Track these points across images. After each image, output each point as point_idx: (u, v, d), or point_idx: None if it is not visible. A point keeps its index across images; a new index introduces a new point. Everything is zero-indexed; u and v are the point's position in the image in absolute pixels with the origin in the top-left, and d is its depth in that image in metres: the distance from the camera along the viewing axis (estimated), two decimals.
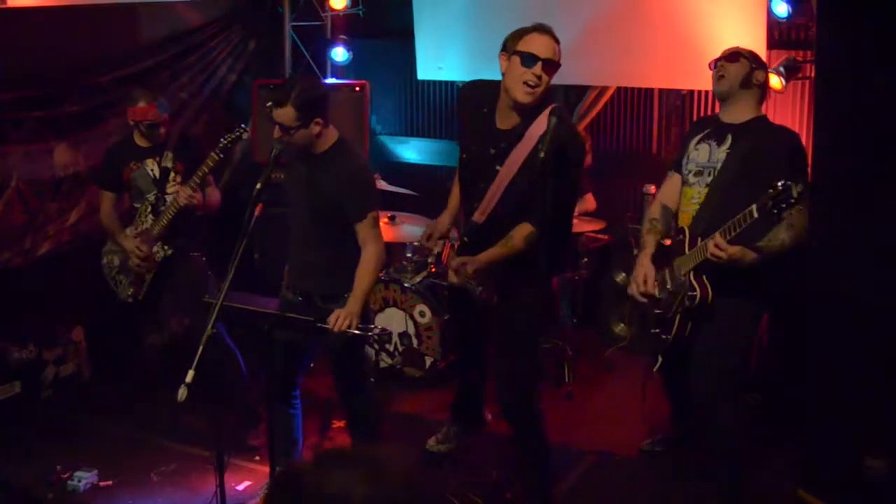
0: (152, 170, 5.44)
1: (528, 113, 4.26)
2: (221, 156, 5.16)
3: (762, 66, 4.48)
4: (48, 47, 5.90)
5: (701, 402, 4.54)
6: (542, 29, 4.19)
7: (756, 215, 3.93)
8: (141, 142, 5.44)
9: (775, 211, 3.85)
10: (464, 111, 4.64)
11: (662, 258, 4.54)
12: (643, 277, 4.54)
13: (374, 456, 1.79)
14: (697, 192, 4.47)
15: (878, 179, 3.94)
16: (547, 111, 4.09)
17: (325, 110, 4.38)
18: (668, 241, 4.61)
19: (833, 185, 4.18)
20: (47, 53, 5.91)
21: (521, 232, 4.26)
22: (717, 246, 4.10)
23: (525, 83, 4.17)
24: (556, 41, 4.21)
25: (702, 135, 4.55)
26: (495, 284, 4.40)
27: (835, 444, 4.29)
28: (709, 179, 4.43)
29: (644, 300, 4.55)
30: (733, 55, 4.47)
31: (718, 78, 4.48)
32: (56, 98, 6.05)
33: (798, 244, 4.14)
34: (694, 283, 4.30)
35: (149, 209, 5.44)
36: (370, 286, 4.47)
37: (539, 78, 4.15)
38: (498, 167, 4.33)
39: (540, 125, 4.13)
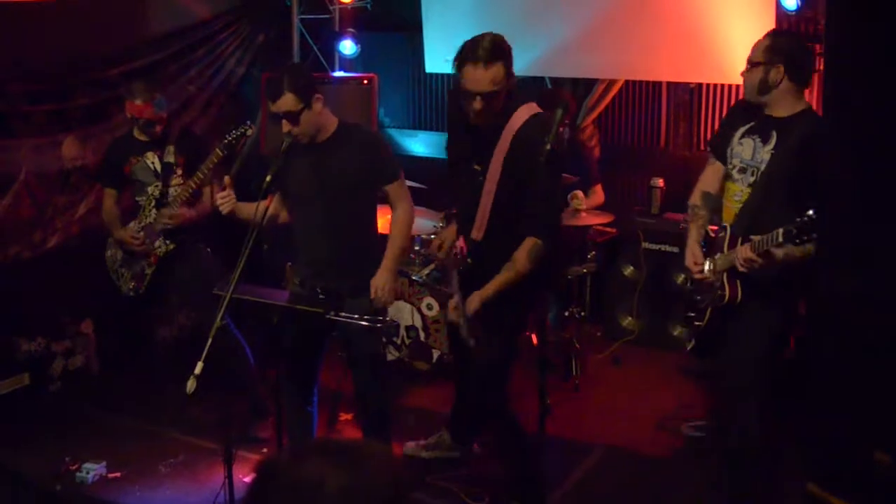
0: (153, 163, 5.44)
1: (503, 112, 4.15)
2: (225, 152, 5.16)
3: (776, 62, 4.25)
4: (56, 41, 5.91)
5: (722, 399, 4.58)
6: (475, 59, 3.98)
7: (781, 240, 3.88)
8: (140, 136, 5.44)
9: (798, 241, 3.80)
10: (451, 111, 4.53)
11: (709, 248, 4.49)
12: (692, 259, 4.47)
13: (353, 447, 1.79)
14: (740, 191, 4.38)
15: (888, 175, 3.92)
16: (523, 107, 4.08)
17: (318, 88, 4.40)
18: (713, 229, 4.56)
19: (841, 180, 4.17)
20: (55, 47, 5.91)
21: (525, 249, 4.11)
22: (746, 259, 4.08)
23: (471, 112, 4.10)
24: (496, 59, 3.99)
25: (747, 127, 4.40)
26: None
27: (845, 439, 4.28)
28: (751, 179, 4.32)
29: (697, 276, 4.45)
30: (748, 64, 4.35)
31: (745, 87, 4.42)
32: (64, 91, 6.05)
33: None
34: (725, 283, 4.26)
35: (152, 203, 5.44)
36: (404, 245, 4.54)
37: (481, 108, 4.05)
38: (478, 167, 4.24)
39: (514, 124, 4.10)
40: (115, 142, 5.65)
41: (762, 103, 4.32)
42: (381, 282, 4.39)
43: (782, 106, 4.28)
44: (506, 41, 4.06)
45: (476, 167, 4.24)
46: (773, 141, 4.28)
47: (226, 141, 5.12)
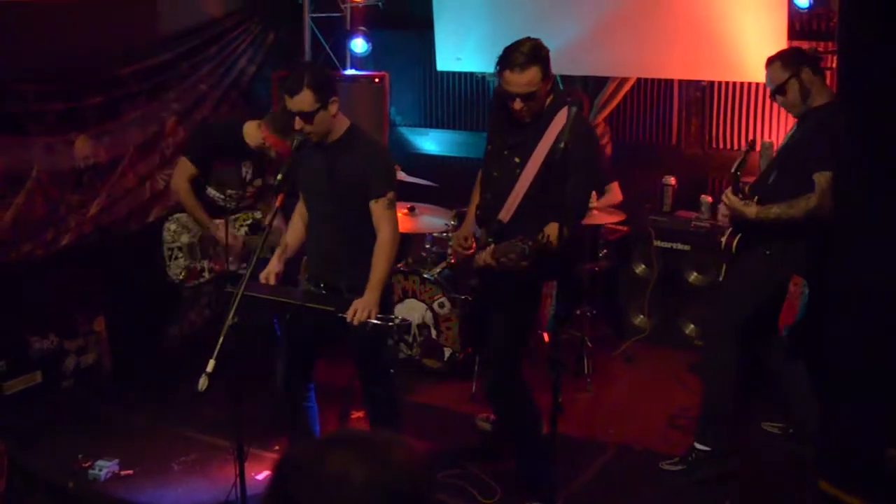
0: (247, 171, 5.52)
1: (547, 110, 4.39)
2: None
3: (799, 69, 4.81)
4: (68, 40, 5.92)
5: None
6: (512, 65, 4.26)
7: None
8: (251, 142, 5.45)
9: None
10: (493, 109, 4.75)
11: None
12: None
13: (378, 440, 1.78)
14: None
15: None
16: (566, 107, 4.21)
17: (337, 90, 4.43)
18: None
19: (855, 176, 4.15)
20: (67, 46, 5.93)
21: (553, 230, 4.20)
22: (725, 196, 4.93)
23: (513, 111, 4.37)
24: (532, 64, 4.25)
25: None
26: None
27: (857, 435, 4.27)
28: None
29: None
30: (775, 94, 4.92)
31: None
32: (76, 90, 6.06)
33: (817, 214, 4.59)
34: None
35: (249, 221, 5.55)
36: (387, 273, 4.44)
37: (522, 108, 4.33)
38: (517, 160, 4.42)
39: (560, 120, 4.27)
40: (222, 131, 5.67)
41: (807, 109, 4.84)
42: (361, 305, 4.29)
43: (799, 104, 4.87)
44: (543, 46, 4.33)
45: (516, 159, 4.43)
46: (793, 129, 4.95)
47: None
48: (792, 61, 4.84)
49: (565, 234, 4.15)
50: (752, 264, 4.95)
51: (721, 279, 5.21)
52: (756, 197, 4.85)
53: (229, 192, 5.51)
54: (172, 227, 5.61)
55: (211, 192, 5.52)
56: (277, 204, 4.29)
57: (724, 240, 5.06)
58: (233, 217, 5.54)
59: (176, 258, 5.57)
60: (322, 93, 4.30)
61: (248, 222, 5.53)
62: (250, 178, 5.54)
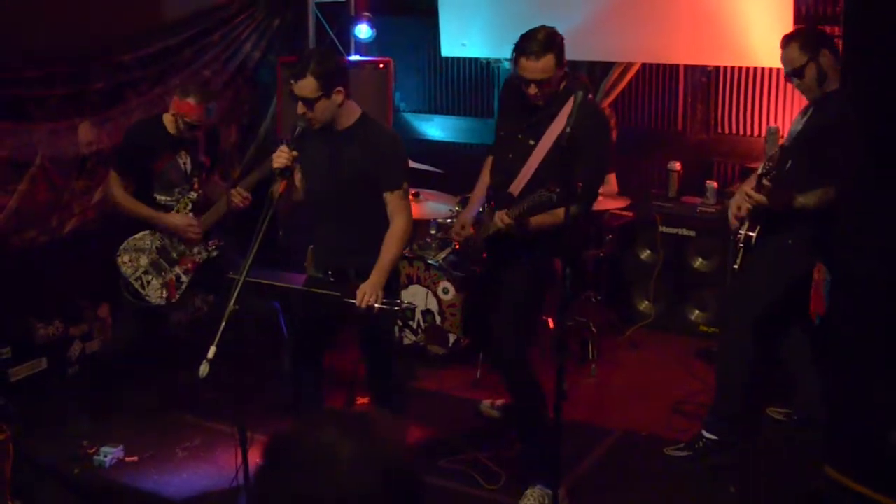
0: (184, 163, 5.38)
1: (562, 93, 4.49)
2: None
3: (818, 51, 4.68)
4: (72, 25, 5.90)
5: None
6: (528, 53, 4.39)
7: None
8: (173, 131, 5.29)
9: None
10: (505, 95, 4.88)
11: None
12: (735, 204, 4.91)
13: (363, 416, 1.80)
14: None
15: None
16: (580, 93, 4.26)
17: (346, 80, 4.39)
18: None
19: (861, 163, 4.14)
20: (71, 32, 5.91)
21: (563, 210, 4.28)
22: (747, 194, 4.70)
23: (528, 96, 4.52)
24: (547, 51, 4.39)
25: (806, 106, 4.92)
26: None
27: (864, 422, 4.26)
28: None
29: (736, 224, 4.91)
30: (792, 76, 4.80)
31: None
32: (80, 76, 6.05)
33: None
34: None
35: (188, 206, 5.39)
36: (395, 259, 4.47)
37: (537, 93, 4.47)
38: (532, 142, 4.53)
39: (569, 107, 4.30)
40: (141, 130, 5.48)
41: (822, 93, 4.72)
42: (368, 289, 4.31)
43: (814, 88, 4.75)
44: (558, 34, 4.46)
45: (531, 142, 4.54)
46: (809, 113, 4.78)
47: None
48: (811, 43, 4.69)
49: (573, 214, 4.18)
50: (773, 255, 4.83)
51: (738, 271, 4.99)
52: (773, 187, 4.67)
53: (177, 189, 5.38)
54: (126, 258, 5.38)
55: (160, 198, 5.37)
56: (281, 190, 4.26)
57: (743, 233, 4.86)
58: (174, 209, 5.41)
59: (148, 283, 5.37)
60: (326, 81, 4.27)
61: (188, 208, 5.39)
62: (190, 168, 5.41)
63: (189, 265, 5.43)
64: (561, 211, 4.16)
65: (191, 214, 5.39)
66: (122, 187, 5.39)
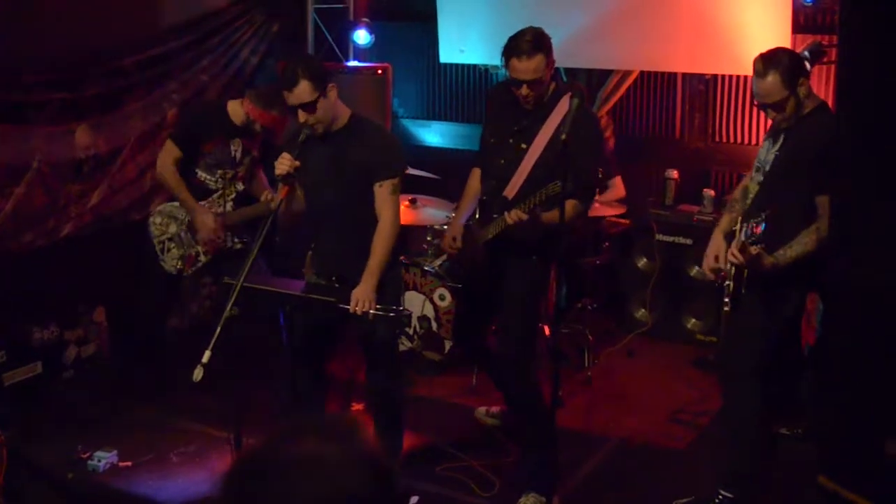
0: (236, 150, 5.49)
1: (551, 97, 4.54)
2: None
3: (796, 81, 4.28)
4: (70, 30, 5.90)
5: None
6: (519, 53, 4.42)
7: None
8: (238, 122, 5.44)
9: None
10: (491, 105, 4.93)
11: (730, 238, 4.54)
12: (713, 253, 4.56)
13: (337, 420, 1.82)
14: (753, 190, 4.50)
15: None
16: (568, 95, 4.35)
17: (333, 77, 4.47)
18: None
19: (855, 172, 4.14)
20: (69, 36, 5.91)
21: (569, 205, 4.35)
22: (731, 254, 4.25)
23: (520, 98, 4.53)
24: (537, 51, 4.41)
25: (771, 130, 4.54)
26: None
27: (857, 431, 4.26)
28: (760, 178, 4.45)
29: (712, 276, 4.62)
30: (771, 109, 4.37)
31: None
32: (78, 81, 6.04)
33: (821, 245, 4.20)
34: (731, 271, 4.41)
35: (233, 195, 5.51)
36: (384, 260, 4.44)
37: (529, 93, 4.48)
38: (524, 145, 4.55)
39: (562, 107, 4.41)
40: (202, 109, 5.71)
41: (797, 119, 4.34)
42: (361, 295, 4.32)
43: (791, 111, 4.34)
44: (546, 34, 4.49)
45: (523, 146, 4.56)
46: (780, 141, 4.38)
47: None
48: (792, 77, 4.27)
49: (578, 210, 4.27)
50: (765, 299, 4.45)
51: (730, 315, 4.53)
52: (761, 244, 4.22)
53: (220, 172, 5.48)
54: (158, 220, 5.58)
55: (200, 174, 5.49)
56: (282, 195, 4.28)
57: (730, 284, 4.42)
58: (217, 195, 5.51)
59: (168, 250, 5.54)
60: (319, 81, 4.33)
61: (232, 196, 5.50)
62: (240, 156, 5.52)
63: (211, 247, 5.50)
64: (566, 210, 4.21)
65: (231, 204, 5.50)
66: (174, 159, 5.46)
